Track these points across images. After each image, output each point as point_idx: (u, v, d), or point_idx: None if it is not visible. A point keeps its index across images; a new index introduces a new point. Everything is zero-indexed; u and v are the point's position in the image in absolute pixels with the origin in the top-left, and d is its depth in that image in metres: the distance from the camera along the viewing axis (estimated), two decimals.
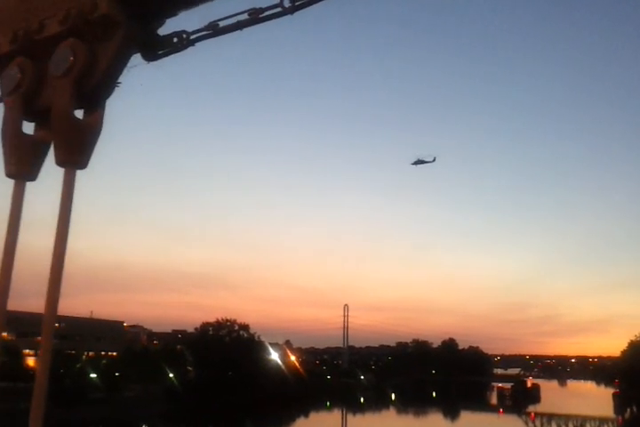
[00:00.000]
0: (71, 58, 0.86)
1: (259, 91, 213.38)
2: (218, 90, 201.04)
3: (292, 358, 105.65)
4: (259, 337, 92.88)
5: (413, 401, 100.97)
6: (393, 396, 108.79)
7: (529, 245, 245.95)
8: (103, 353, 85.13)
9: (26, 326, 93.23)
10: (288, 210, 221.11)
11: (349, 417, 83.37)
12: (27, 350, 78.29)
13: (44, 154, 0.90)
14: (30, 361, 76.62)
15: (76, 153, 0.85)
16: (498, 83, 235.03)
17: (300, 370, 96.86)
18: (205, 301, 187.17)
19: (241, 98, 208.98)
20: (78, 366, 69.43)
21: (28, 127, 0.97)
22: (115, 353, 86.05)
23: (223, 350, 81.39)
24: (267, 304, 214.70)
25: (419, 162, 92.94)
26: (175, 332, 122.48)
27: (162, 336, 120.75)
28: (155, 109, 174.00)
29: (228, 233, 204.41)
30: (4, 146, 0.90)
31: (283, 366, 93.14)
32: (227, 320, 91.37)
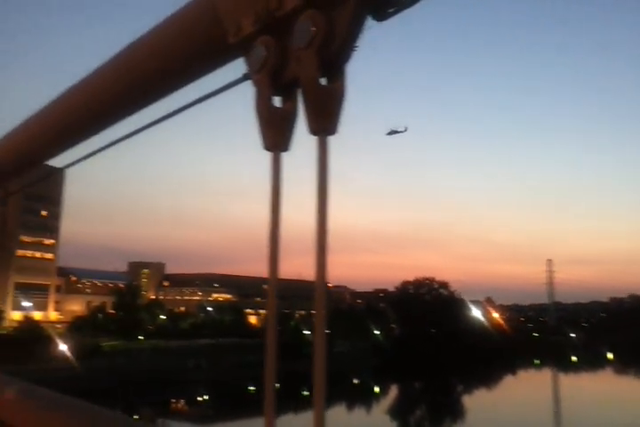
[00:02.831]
0: (312, 29, 0.88)
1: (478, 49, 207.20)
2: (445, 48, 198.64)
3: (495, 314, 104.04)
4: (459, 294, 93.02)
5: (634, 362, 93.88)
6: (610, 355, 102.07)
7: None
8: (313, 312, 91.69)
9: (246, 288, 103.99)
10: (484, 166, 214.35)
11: (561, 376, 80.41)
12: (248, 310, 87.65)
13: (295, 124, 0.94)
14: (252, 319, 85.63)
15: (327, 120, 0.86)
16: None
17: (504, 327, 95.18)
18: (404, 260, 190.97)
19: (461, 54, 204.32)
20: (292, 323, 75.97)
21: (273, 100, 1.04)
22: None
23: (424, 307, 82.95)
24: (465, 261, 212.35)
25: (392, 132, 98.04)
26: (376, 291, 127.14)
27: (364, 295, 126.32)
28: (387, 70, 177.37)
29: (425, 192, 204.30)
30: (258, 121, 0.94)
31: (485, 323, 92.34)
32: (426, 279, 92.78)
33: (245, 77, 1.09)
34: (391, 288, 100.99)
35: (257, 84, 0.92)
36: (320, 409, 0.74)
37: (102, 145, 1.68)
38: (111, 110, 1.45)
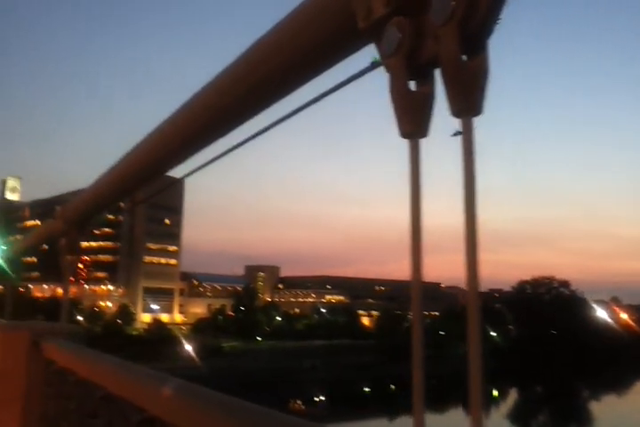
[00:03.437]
0: (452, 2, 0.81)
1: None
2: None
3: (623, 315, 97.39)
4: (580, 294, 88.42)
5: None
6: None
7: None
8: (426, 313, 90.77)
9: (358, 290, 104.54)
10: (605, 158, 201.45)
11: None
12: (360, 311, 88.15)
13: (433, 108, 0.89)
14: (364, 320, 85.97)
15: (471, 100, 0.80)
16: None
17: (634, 328, 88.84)
18: (520, 258, 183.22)
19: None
20: (406, 325, 75.46)
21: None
22: (436, 313, 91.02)
23: (543, 308, 79.55)
24: (587, 259, 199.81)
25: (457, 133, 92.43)
26: (491, 291, 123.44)
27: (479, 296, 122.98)
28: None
29: (542, 188, 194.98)
30: (394, 107, 0.88)
31: (611, 324, 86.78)
32: (545, 277, 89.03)
33: (373, 65, 1.04)
34: (507, 288, 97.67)
35: (391, 68, 0.87)
36: (478, 408, 0.66)
37: (219, 152, 1.71)
38: (234, 115, 1.44)
